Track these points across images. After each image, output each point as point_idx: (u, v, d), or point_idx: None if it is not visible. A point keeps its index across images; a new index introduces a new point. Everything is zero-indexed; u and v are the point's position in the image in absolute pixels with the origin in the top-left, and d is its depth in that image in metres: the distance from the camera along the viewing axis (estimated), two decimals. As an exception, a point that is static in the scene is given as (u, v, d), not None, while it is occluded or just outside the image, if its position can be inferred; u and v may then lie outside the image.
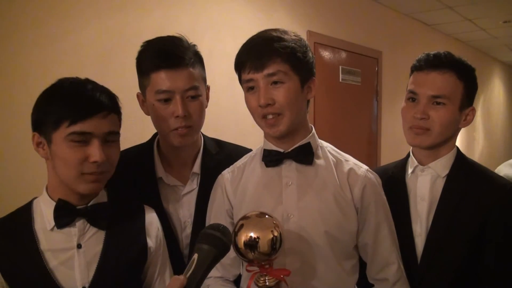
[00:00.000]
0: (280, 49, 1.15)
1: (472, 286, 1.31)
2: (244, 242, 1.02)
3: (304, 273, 1.20)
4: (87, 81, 1.13)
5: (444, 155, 1.39)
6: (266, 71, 1.15)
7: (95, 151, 1.06)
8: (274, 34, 1.19)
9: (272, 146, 1.26)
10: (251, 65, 1.16)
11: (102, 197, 1.18)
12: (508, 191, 1.31)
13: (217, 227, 0.96)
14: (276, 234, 1.03)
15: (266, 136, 1.28)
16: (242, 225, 1.04)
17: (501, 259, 1.28)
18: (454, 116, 1.35)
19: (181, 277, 0.87)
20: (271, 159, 1.25)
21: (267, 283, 1.05)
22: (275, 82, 1.16)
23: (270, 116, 1.18)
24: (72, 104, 1.06)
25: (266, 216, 1.08)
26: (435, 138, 1.35)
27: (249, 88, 1.20)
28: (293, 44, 1.17)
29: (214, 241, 0.92)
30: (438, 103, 1.34)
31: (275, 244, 1.03)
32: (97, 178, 1.10)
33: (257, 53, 1.16)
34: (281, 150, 1.25)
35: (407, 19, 4.94)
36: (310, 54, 1.23)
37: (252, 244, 1.02)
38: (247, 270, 1.10)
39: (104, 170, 1.10)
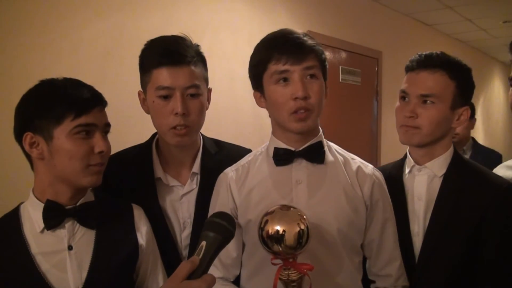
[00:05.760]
0: (314, 46, 1.19)
1: (470, 285, 1.31)
2: (270, 235, 1.02)
3: (316, 270, 1.19)
4: (72, 79, 1.15)
5: (440, 154, 1.40)
6: (305, 64, 1.17)
7: (99, 142, 1.11)
8: (301, 33, 1.22)
9: (282, 145, 1.26)
10: (288, 57, 1.16)
11: (89, 196, 1.19)
12: (505, 190, 1.32)
13: (222, 215, 0.96)
14: (302, 227, 1.02)
15: (277, 134, 1.27)
16: (267, 221, 1.03)
17: (498, 257, 1.29)
18: (444, 115, 1.36)
19: (192, 259, 0.87)
20: (281, 157, 1.25)
21: (290, 277, 1.04)
22: (311, 76, 1.18)
23: (302, 111, 1.18)
24: (76, 98, 1.09)
25: (291, 208, 1.07)
26: (424, 136, 1.36)
27: (280, 79, 1.19)
28: (318, 46, 1.22)
29: (220, 229, 0.92)
30: (427, 102, 1.35)
31: (302, 238, 1.01)
32: (100, 170, 1.14)
33: (297, 46, 1.17)
34: (292, 149, 1.25)
35: (407, 19, 4.94)
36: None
37: (278, 237, 1.01)
38: (272, 263, 1.09)
39: (105, 161, 1.15)
